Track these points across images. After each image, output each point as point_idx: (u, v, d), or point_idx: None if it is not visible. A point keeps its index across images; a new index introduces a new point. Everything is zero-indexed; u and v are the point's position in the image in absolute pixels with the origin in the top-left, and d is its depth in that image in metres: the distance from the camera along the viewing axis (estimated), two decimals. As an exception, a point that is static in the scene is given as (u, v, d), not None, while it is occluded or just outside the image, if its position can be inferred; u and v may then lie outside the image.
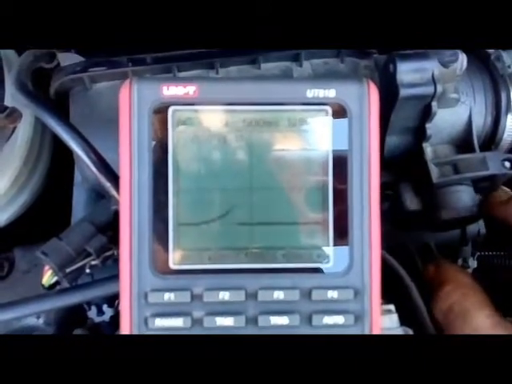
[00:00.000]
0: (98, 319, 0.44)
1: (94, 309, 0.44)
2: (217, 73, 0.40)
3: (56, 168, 0.47)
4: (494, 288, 0.48)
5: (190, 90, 0.29)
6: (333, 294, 0.29)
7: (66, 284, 0.36)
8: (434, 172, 0.39)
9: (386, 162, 0.41)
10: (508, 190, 0.40)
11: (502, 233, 0.40)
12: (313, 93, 0.29)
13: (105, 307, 0.44)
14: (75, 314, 0.45)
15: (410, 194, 0.41)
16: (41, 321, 0.45)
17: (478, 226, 0.46)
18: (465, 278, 0.37)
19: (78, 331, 0.44)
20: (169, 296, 0.28)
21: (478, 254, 0.48)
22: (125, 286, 0.29)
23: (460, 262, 0.47)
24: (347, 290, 0.29)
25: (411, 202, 0.40)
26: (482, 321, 0.33)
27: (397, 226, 0.44)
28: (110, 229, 0.36)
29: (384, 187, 0.43)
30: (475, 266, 0.48)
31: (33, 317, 0.44)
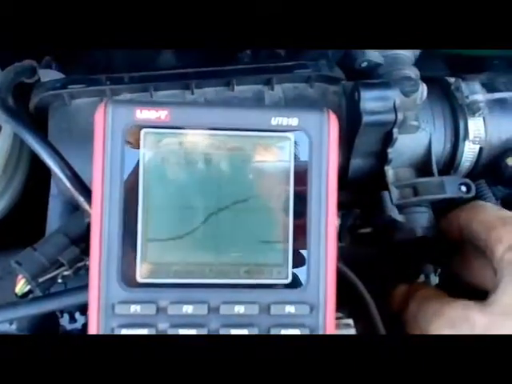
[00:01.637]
0: (70, 327, 0.45)
1: (66, 316, 0.45)
2: (192, 93, 0.41)
3: (33, 179, 0.48)
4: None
5: (161, 114, 0.31)
6: (290, 309, 0.31)
7: (38, 293, 0.37)
8: (395, 194, 0.41)
9: (351, 183, 0.44)
10: None
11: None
12: (277, 121, 0.31)
13: (77, 315, 0.44)
14: (48, 321, 0.45)
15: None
16: (13, 327, 0.45)
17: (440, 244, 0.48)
18: (434, 288, 0.39)
19: (49, 338, 0.45)
20: (135, 308, 0.30)
21: (440, 270, 0.51)
22: (93, 297, 0.30)
23: (422, 278, 0.50)
24: (303, 306, 0.31)
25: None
26: (458, 300, 0.35)
27: (362, 242, 0.46)
28: (83, 240, 0.37)
29: (349, 205, 0.45)
30: (437, 281, 0.50)
31: (5, 323, 0.45)
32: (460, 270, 0.40)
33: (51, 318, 0.45)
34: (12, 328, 0.45)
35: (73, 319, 0.45)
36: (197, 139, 0.31)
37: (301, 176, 0.31)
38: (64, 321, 0.45)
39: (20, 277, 0.36)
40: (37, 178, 0.47)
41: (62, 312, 0.45)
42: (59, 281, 0.37)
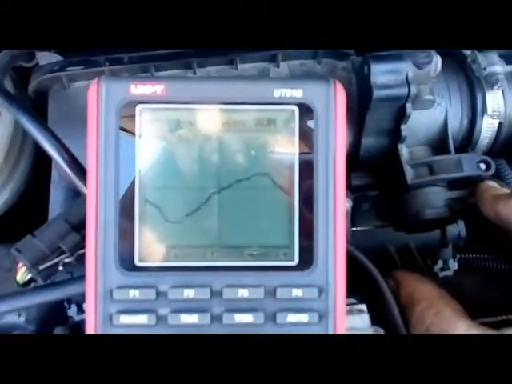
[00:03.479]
0: (78, 317, 0.44)
1: (74, 307, 0.44)
2: (194, 73, 0.40)
3: (39, 165, 0.47)
4: (474, 290, 0.48)
5: (157, 88, 0.29)
6: (297, 293, 0.29)
7: (40, 281, 0.36)
8: (409, 173, 0.39)
9: (364, 163, 0.42)
10: (496, 184, 0.39)
11: (490, 230, 0.38)
12: (280, 92, 0.29)
13: (85, 305, 0.44)
14: (56, 312, 0.45)
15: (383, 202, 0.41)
16: (22, 318, 0.44)
17: (459, 228, 0.46)
18: (430, 290, 0.36)
19: (58, 329, 0.44)
20: (134, 293, 0.28)
21: (459, 256, 0.48)
22: (90, 283, 0.29)
23: (440, 263, 0.47)
24: (311, 289, 0.29)
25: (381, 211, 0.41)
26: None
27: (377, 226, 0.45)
28: (84, 226, 0.36)
29: (364, 189, 0.43)
30: (456, 267, 0.48)
31: (14, 314, 0.44)
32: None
33: (59, 309, 0.44)
34: (20, 320, 0.45)
35: (81, 310, 0.44)
36: (195, 114, 0.29)
37: (306, 152, 0.29)
38: (72, 311, 0.44)
39: (20, 265, 0.36)
40: (42, 164, 0.46)
41: (69, 303, 0.44)
42: (60, 268, 0.36)
